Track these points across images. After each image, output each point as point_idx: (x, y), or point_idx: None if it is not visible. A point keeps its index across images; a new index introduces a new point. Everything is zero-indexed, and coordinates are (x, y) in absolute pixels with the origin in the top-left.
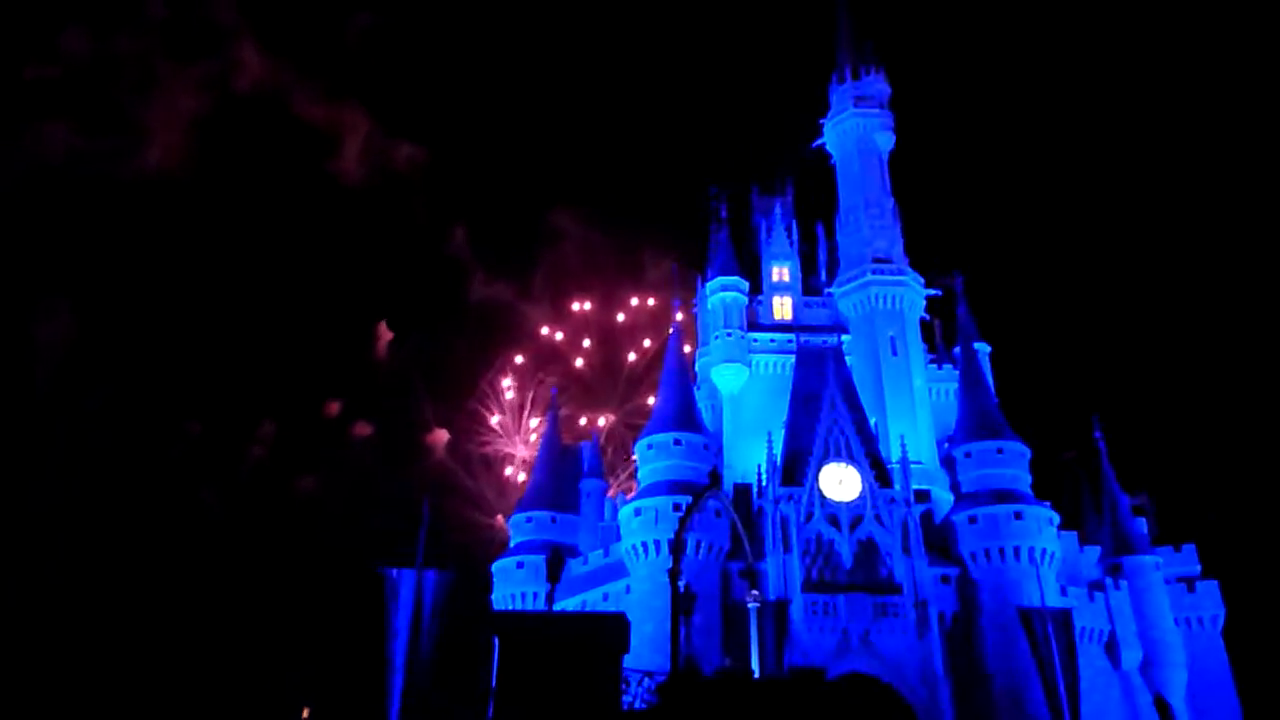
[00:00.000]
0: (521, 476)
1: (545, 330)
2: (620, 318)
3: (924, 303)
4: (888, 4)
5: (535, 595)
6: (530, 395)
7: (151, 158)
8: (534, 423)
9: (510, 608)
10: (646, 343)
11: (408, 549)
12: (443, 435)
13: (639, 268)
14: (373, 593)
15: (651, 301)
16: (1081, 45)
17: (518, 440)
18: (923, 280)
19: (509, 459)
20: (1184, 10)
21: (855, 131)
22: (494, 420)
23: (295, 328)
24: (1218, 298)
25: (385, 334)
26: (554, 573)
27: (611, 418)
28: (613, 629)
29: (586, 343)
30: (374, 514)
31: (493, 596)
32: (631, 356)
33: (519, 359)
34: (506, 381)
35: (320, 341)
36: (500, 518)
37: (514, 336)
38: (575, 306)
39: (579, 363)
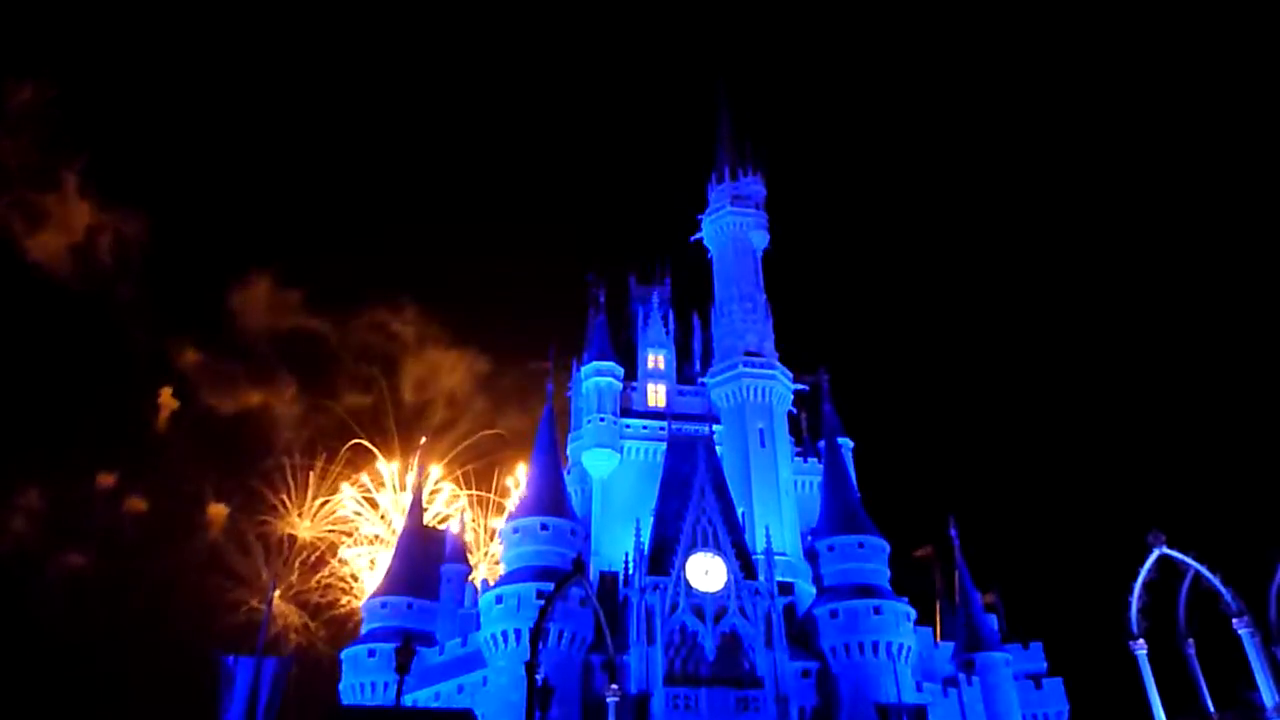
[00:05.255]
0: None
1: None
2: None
3: (792, 397)
4: (768, 109)
5: (386, 685)
6: (317, 472)
7: None
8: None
9: (359, 699)
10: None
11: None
12: (220, 511)
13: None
14: (205, 681)
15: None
16: (940, 155)
17: (298, 519)
18: (791, 375)
19: (289, 540)
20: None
21: (731, 229)
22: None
23: (69, 395)
24: (1066, 409)
25: (169, 403)
26: (404, 663)
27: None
28: None
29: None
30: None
31: (341, 686)
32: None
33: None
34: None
35: (95, 411)
36: (277, 597)
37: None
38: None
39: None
